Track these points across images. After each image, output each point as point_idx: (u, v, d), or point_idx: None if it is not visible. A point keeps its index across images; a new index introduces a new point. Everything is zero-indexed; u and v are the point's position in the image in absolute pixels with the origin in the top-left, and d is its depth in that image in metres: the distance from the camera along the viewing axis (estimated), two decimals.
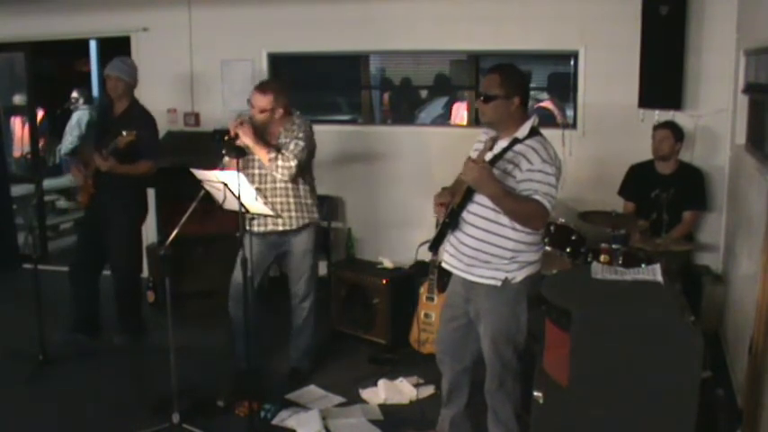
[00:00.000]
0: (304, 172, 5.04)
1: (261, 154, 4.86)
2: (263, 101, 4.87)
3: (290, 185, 4.98)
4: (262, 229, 5.01)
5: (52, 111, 11.05)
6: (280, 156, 4.84)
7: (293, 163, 4.85)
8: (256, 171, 4.99)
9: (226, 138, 4.74)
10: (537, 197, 3.63)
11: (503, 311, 3.83)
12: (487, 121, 3.84)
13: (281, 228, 4.99)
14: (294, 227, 5.04)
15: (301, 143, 4.94)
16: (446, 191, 3.93)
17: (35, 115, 9.09)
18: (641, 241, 5.16)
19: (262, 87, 4.94)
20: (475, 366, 4.11)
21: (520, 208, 3.65)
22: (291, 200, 5.00)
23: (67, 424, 4.75)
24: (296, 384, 5.19)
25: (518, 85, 3.80)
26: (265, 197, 4.82)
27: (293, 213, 5.01)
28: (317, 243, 5.27)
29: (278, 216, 4.88)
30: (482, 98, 3.80)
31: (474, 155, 3.81)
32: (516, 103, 3.77)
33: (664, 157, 5.69)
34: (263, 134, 4.92)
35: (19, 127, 9.78)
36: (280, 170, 4.85)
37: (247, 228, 4.64)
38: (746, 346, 3.99)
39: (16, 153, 10.22)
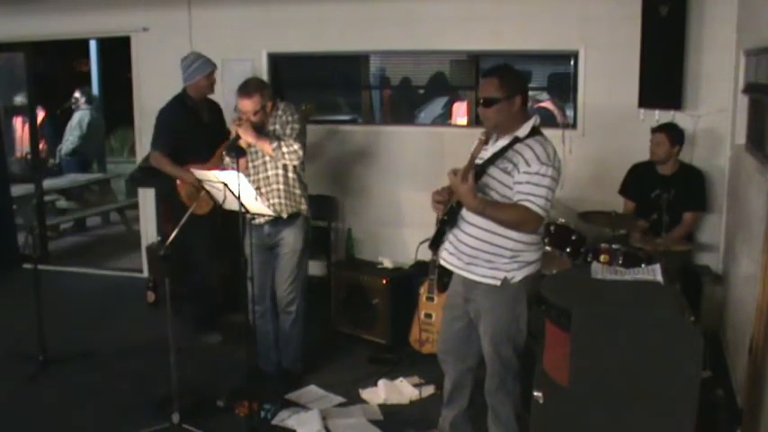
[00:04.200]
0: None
1: (264, 147, 4.88)
2: (252, 104, 4.88)
3: (279, 173, 4.98)
4: (254, 220, 5.02)
5: (53, 111, 11.08)
6: (282, 143, 4.85)
7: (296, 146, 4.88)
8: (249, 163, 5.01)
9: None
10: (526, 203, 3.64)
11: (502, 311, 3.83)
12: (492, 126, 3.82)
13: (268, 216, 4.97)
14: (283, 214, 5.01)
15: (297, 125, 4.97)
16: (445, 189, 3.92)
17: (35, 115, 9.09)
18: (641, 241, 5.16)
19: (246, 92, 4.90)
20: (477, 366, 4.11)
21: (505, 217, 3.67)
22: (281, 186, 4.99)
23: (67, 424, 4.75)
24: (289, 386, 5.18)
25: (517, 85, 3.81)
26: (258, 188, 4.87)
27: (282, 200, 5.00)
28: (307, 244, 5.22)
29: (278, 215, 4.91)
30: (482, 103, 3.79)
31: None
32: (518, 103, 3.77)
33: (660, 161, 5.69)
34: (260, 129, 4.94)
35: (20, 127, 9.79)
36: (287, 156, 4.86)
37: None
38: (746, 346, 4.00)
39: (18, 153, 10.26)
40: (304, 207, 5.12)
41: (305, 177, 5.18)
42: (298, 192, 5.07)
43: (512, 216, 3.67)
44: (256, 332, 5.23)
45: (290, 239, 5.10)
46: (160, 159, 5.75)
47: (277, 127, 4.98)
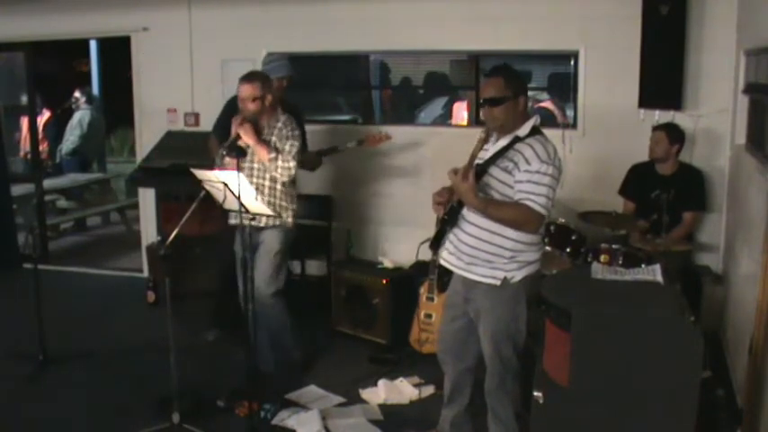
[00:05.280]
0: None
1: (261, 153, 4.87)
2: (252, 89, 4.88)
3: (267, 183, 4.99)
4: (235, 221, 4.97)
5: (54, 111, 11.09)
6: (280, 157, 4.85)
7: (292, 164, 4.88)
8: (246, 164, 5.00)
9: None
10: (527, 202, 3.64)
11: (502, 311, 3.83)
12: (498, 125, 3.82)
13: (253, 223, 4.94)
14: (261, 225, 5.00)
15: (297, 143, 4.98)
16: (446, 190, 3.93)
17: (35, 115, 9.09)
18: (641, 241, 5.16)
19: (248, 77, 4.93)
20: (476, 366, 4.11)
21: (506, 216, 3.69)
22: (266, 198, 4.98)
23: (67, 424, 4.75)
24: (291, 377, 5.19)
25: (521, 85, 3.85)
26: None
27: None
28: (288, 246, 5.20)
29: (278, 215, 4.90)
30: (489, 103, 3.79)
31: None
32: (522, 102, 3.80)
33: (658, 159, 5.70)
34: (260, 132, 4.93)
35: (26, 126, 9.80)
36: (279, 170, 4.87)
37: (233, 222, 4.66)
38: (746, 345, 4.00)
39: (22, 153, 10.29)
40: (289, 220, 5.11)
41: (294, 190, 5.18)
42: (284, 204, 5.06)
43: (513, 215, 3.68)
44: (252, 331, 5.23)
45: (269, 240, 5.09)
46: (212, 143, 5.83)
47: (274, 139, 4.97)
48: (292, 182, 5.11)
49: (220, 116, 5.97)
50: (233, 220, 5.00)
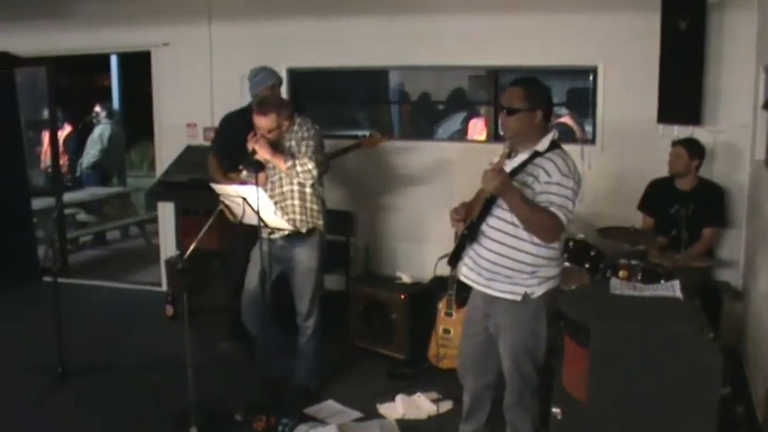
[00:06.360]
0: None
1: (279, 164, 4.88)
2: (268, 122, 4.87)
3: (296, 188, 4.99)
4: (267, 234, 4.99)
5: (75, 125, 11.19)
6: (297, 162, 4.85)
7: (311, 165, 4.87)
8: (268, 178, 5.02)
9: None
10: (553, 209, 3.63)
11: (522, 326, 3.81)
12: (511, 135, 3.81)
13: (287, 230, 4.97)
14: (302, 229, 5.01)
15: (312, 143, 4.97)
16: (463, 206, 3.92)
17: (56, 129, 9.17)
18: (660, 257, 5.14)
19: (262, 110, 4.90)
20: (496, 382, 4.09)
21: (535, 217, 3.64)
22: (297, 202, 5.00)
23: None
24: (307, 403, 5.16)
25: (541, 99, 3.80)
26: (276, 203, 4.88)
27: (298, 216, 4.99)
28: (323, 260, 5.21)
29: (296, 230, 4.91)
30: (505, 111, 3.80)
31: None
32: (539, 116, 3.76)
33: (677, 174, 5.67)
34: (276, 145, 4.95)
35: (47, 140, 9.89)
36: (301, 175, 4.87)
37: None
38: (766, 361, 3.96)
39: (42, 165, 10.39)
40: (320, 223, 5.12)
41: (323, 193, 5.19)
42: (315, 207, 5.07)
43: (540, 217, 3.63)
44: (258, 341, 5.24)
45: (304, 257, 5.10)
46: (210, 161, 5.90)
47: (293, 143, 4.99)
48: (321, 185, 5.13)
49: (217, 135, 6.01)
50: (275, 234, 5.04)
